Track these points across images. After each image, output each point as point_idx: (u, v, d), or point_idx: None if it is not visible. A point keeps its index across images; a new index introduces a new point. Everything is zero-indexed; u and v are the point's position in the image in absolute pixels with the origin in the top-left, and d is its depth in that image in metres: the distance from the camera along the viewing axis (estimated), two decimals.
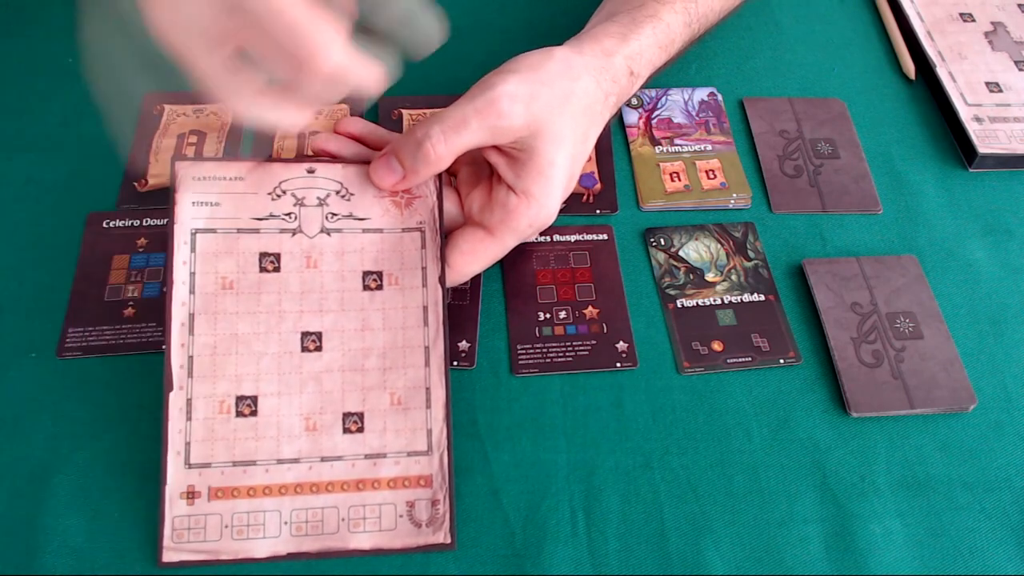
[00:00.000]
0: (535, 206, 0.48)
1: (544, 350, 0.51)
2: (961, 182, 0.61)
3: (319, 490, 0.44)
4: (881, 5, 0.71)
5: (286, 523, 0.44)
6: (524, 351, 0.51)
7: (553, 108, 0.47)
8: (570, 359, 0.51)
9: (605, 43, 0.51)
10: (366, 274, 0.47)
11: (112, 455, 0.46)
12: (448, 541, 0.44)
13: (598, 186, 0.59)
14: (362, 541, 0.44)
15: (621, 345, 0.51)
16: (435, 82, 0.63)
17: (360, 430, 0.45)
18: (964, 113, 0.62)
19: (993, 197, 0.60)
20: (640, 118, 0.62)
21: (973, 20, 0.69)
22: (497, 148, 0.48)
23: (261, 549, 0.43)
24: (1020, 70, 0.65)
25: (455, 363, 0.50)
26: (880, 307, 0.53)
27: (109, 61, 0.43)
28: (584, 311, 0.53)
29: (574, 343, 0.51)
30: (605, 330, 0.52)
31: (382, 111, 0.62)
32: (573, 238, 0.56)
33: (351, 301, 0.47)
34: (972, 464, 0.48)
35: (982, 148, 0.60)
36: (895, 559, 0.45)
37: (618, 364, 0.51)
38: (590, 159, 0.60)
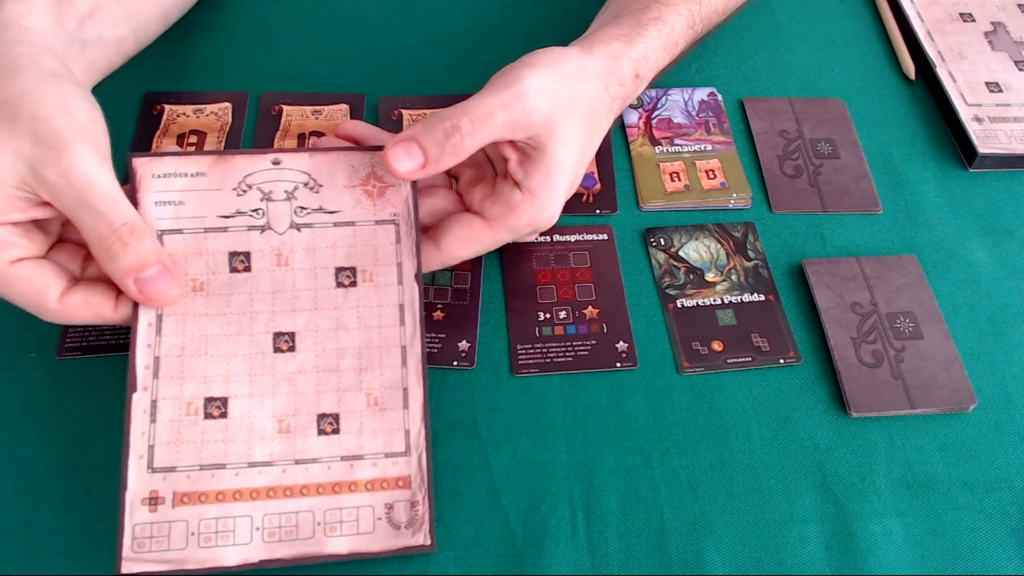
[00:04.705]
0: (538, 205, 0.48)
1: (544, 350, 0.51)
2: (961, 182, 0.61)
3: (293, 494, 0.43)
4: (881, 5, 0.71)
5: (258, 529, 0.42)
6: (524, 351, 0.51)
7: (567, 108, 0.47)
8: (570, 359, 0.51)
9: (612, 45, 0.51)
10: (339, 270, 0.46)
11: (112, 455, 0.46)
12: (428, 543, 0.43)
13: (598, 186, 0.59)
14: (339, 545, 0.42)
15: (621, 345, 0.51)
16: (435, 82, 0.63)
17: (336, 431, 0.44)
18: (964, 113, 0.62)
19: (993, 197, 0.60)
20: (640, 118, 0.62)
21: (973, 20, 0.69)
22: (511, 142, 0.48)
23: (231, 557, 0.41)
24: (1020, 70, 0.65)
25: (455, 363, 0.50)
26: (880, 307, 0.53)
27: None
28: (584, 311, 0.53)
29: (574, 343, 0.51)
30: (605, 330, 0.52)
31: (382, 111, 0.62)
32: (573, 238, 0.56)
33: (324, 299, 0.46)
34: (972, 464, 0.48)
35: (982, 148, 0.60)
36: (895, 559, 0.45)
37: (618, 364, 0.51)
38: None
